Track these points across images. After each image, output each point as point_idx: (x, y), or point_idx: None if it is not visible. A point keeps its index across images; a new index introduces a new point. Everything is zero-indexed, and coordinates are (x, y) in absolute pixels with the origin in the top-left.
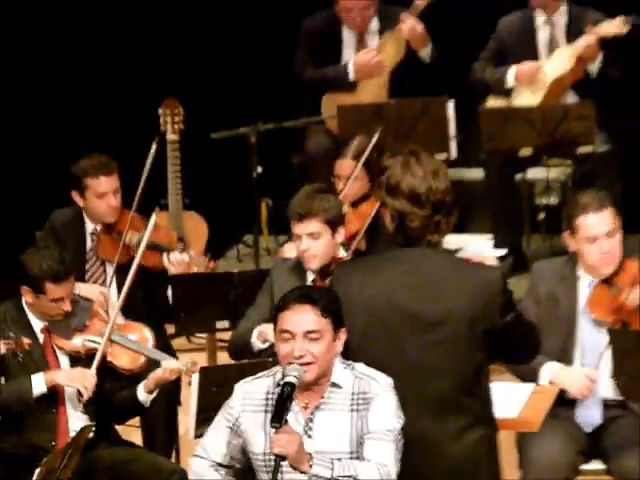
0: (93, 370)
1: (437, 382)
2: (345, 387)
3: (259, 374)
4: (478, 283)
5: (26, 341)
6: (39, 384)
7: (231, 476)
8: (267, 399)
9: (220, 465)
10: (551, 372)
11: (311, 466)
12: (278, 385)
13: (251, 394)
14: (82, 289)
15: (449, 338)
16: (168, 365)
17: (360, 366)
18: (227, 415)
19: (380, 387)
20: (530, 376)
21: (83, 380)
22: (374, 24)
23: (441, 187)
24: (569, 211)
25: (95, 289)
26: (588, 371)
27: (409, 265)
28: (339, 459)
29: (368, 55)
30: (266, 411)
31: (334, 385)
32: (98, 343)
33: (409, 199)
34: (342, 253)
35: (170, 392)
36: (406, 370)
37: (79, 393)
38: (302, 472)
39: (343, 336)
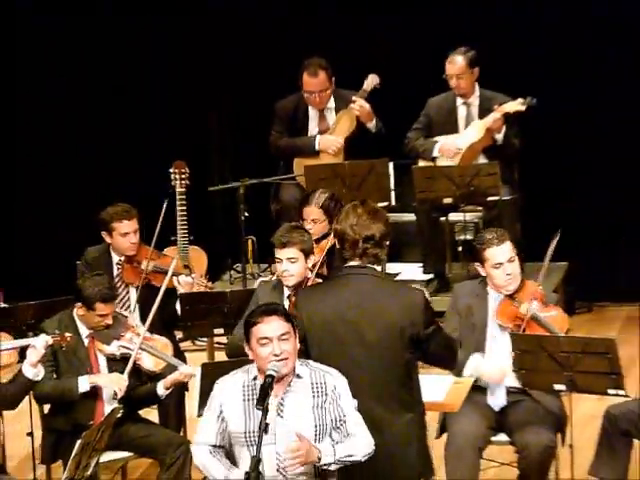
0: (126, 375)
1: (376, 376)
2: (305, 378)
3: (235, 371)
4: (406, 302)
5: (67, 335)
6: (84, 384)
7: (225, 457)
8: (244, 390)
9: (214, 446)
10: (476, 362)
11: (320, 458)
12: (254, 379)
13: (230, 387)
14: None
15: (384, 344)
16: (184, 370)
17: (312, 362)
18: (212, 408)
19: (333, 378)
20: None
21: (118, 384)
22: (331, 103)
23: (373, 225)
24: (478, 246)
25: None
26: (502, 364)
27: (354, 289)
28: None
29: (332, 140)
30: (244, 399)
31: (297, 376)
32: (130, 349)
33: (343, 236)
34: (310, 275)
35: (177, 390)
36: (353, 369)
37: (114, 393)
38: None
39: (297, 337)
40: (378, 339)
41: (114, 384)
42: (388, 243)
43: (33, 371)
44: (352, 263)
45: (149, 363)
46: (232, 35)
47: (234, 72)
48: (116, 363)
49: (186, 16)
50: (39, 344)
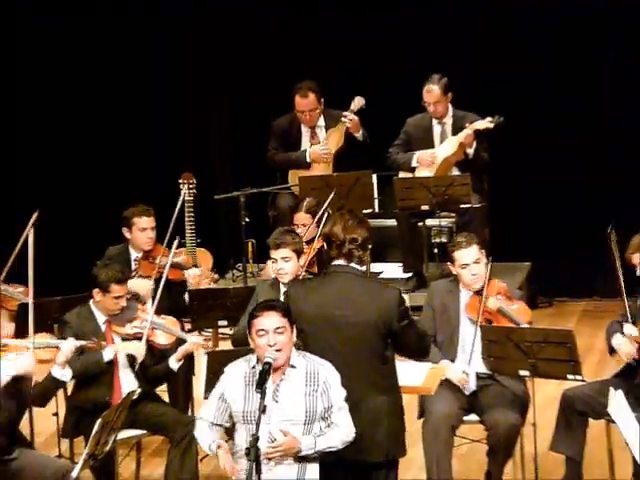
0: (143, 343)
1: (356, 363)
2: (299, 367)
3: (239, 360)
4: (383, 299)
5: (94, 341)
6: (108, 354)
7: (222, 434)
8: (245, 376)
9: (213, 424)
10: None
11: (300, 450)
12: (252, 367)
13: (234, 373)
14: (137, 283)
15: (362, 335)
16: (193, 340)
17: (308, 354)
18: (216, 390)
19: (326, 370)
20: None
21: (137, 349)
22: (321, 121)
23: (356, 230)
24: (450, 248)
25: (146, 283)
26: (464, 368)
27: (337, 287)
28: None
29: (320, 149)
30: (245, 384)
31: (292, 367)
32: (143, 329)
33: (331, 238)
34: (302, 273)
35: (188, 367)
36: (336, 357)
37: (132, 359)
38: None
39: (294, 331)
40: (357, 330)
41: (133, 350)
42: (370, 247)
43: (61, 372)
44: (338, 262)
45: (162, 339)
46: (235, 46)
47: (238, 91)
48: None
49: (186, 19)
50: (66, 347)
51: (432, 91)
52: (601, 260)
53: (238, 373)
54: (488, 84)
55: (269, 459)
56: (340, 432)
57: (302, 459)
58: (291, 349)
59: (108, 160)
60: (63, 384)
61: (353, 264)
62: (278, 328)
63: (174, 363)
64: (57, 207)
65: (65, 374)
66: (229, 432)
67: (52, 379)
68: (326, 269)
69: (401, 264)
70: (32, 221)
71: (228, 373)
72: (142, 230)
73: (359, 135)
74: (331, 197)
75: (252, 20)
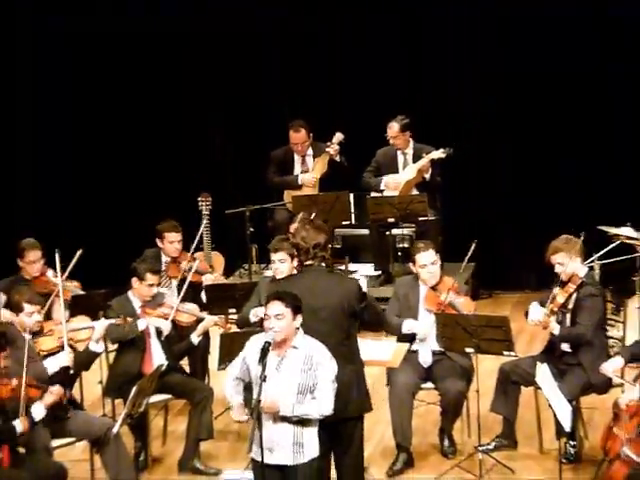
0: (169, 321)
1: (330, 339)
2: (300, 348)
3: (262, 334)
4: (345, 287)
5: (124, 317)
6: (142, 324)
7: (241, 385)
8: (259, 350)
9: (236, 378)
10: (409, 324)
11: (279, 411)
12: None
13: (254, 344)
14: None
15: (332, 316)
16: (209, 318)
17: (310, 339)
18: (242, 353)
19: (320, 355)
20: (396, 329)
21: (163, 323)
22: (310, 151)
23: (317, 236)
24: (411, 252)
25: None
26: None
27: (310, 281)
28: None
29: (309, 176)
30: (260, 356)
31: (294, 347)
32: (170, 309)
33: (298, 246)
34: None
35: (205, 346)
36: (315, 335)
37: (159, 333)
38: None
39: (299, 318)
40: (328, 313)
41: (160, 323)
42: (330, 246)
43: (96, 346)
44: (308, 263)
45: (184, 317)
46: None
47: (243, 130)
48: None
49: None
50: (100, 326)
51: (391, 128)
52: (530, 261)
53: (257, 344)
54: (441, 121)
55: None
56: (318, 406)
57: (299, 423)
58: (293, 332)
59: (143, 180)
60: (98, 355)
61: (319, 263)
62: (278, 315)
63: (195, 338)
64: (107, 219)
65: (99, 347)
66: (248, 387)
67: (90, 351)
68: (301, 268)
69: (372, 264)
70: (78, 255)
71: (251, 342)
72: (171, 242)
73: (341, 160)
74: (314, 214)
75: (258, 63)
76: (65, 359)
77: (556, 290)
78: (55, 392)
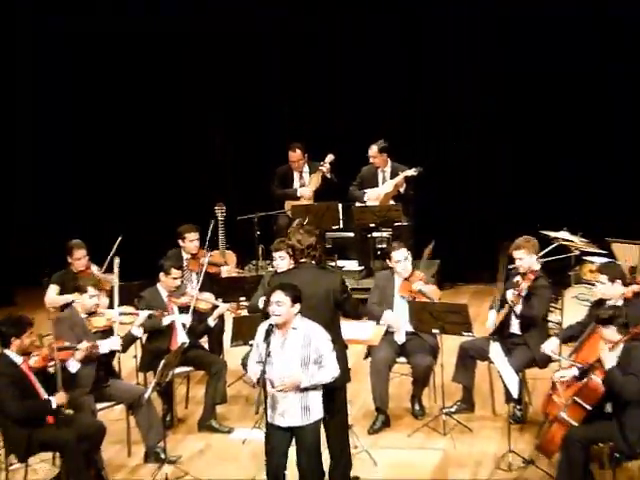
0: (190, 315)
1: (319, 322)
2: (299, 329)
3: (264, 323)
4: (330, 280)
5: (160, 311)
6: (168, 319)
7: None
8: (264, 332)
9: (257, 362)
10: (388, 315)
11: (300, 384)
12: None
13: (260, 331)
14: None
15: (320, 303)
16: (223, 305)
17: (308, 321)
18: (255, 341)
19: (316, 333)
20: (376, 318)
21: (186, 319)
22: (306, 168)
23: (309, 239)
24: (388, 250)
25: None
26: (400, 318)
27: (303, 275)
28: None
29: (306, 190)
30: (264, 336)
31: (294, 328)
32: (190, 297)
33: (294, 247)
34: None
35: (220, 327)
36: (308, 316)
37: (183, 325)
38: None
39: (297, 306)
40: (316, 301)
41: (184, 319)
42: (319, 247)
43: (137, 331)
44: (302, 260)
45: (203, 305)
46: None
47: (253, 152)
48: (183, 309)
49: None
50: (142, 315)
51: (372, 149)
52: (485, 259)
53: (263, 329)
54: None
55: (283, 391)
56: (328, 371)
57: (304, 390)
58: (292, 316)
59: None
60: (138, 339)
61: (310, 261)
62: (279, 302)
63: (211, 321)
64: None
65: (139, 332)
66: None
67: (131, 334)
68: (296, 265)
69: (357, 261)
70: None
71: (260, 329)
72: (191, 241)
73: (331, 177)
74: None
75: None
76: (117, 344)
77: (519, 279)
78: (83, 348)
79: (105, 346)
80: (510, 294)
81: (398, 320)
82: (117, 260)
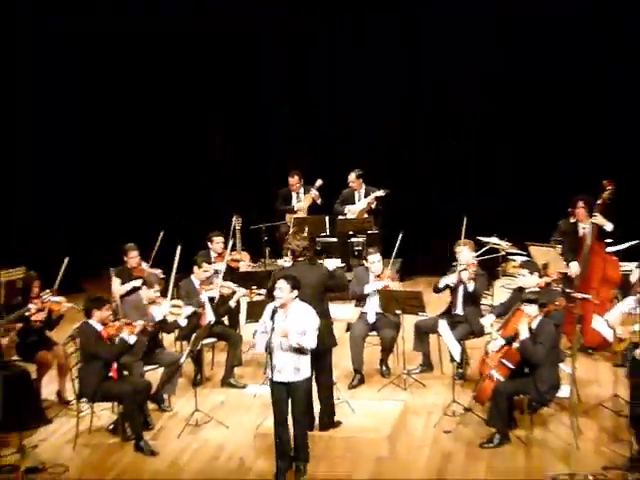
0: (217, 294)
1: (313, 303)
2: (297, 309)
3: (270, 304)
4: (320, 273)
5: (202, 308)
6: (187, 311)
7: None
8: (271, 311)
9: (262, 332)
10: (367, 287)
11: (288, 335)
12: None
13: (267, 310)
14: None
15: (314, 290)
16: (241, 291)
17: (302, 303)
18: (263, 318)
19: (306, 313)
20: (359, 293)
21: (215, 292)
22: (302, 190)
23: (304, 243)
24: (365, 254)
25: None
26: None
27: (300, 269)
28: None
29: (302, 206)
30: (271, 315)
31: (292, 308)
32: (217, 285)
33: (293, 249)
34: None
35: (237, 308)
36: (304, 299)
37: (212, 298)
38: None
39: (295, 292)
40: (310, 288)
41: (213, 293)
42: (312, 249)
43: (182, 321)
44: (299, 259)
45: (225, 290)
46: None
47: (258, 175)
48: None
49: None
50: (187, 310)
51: (351, 175)
52: (440, 256)
53: (270, 308)
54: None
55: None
56: (308, 341)
57: (297, 351)
58: (290, 299)
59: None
60: (182, 327)
61: (304, 259)
62: (280, 287)
63: (232, 303)
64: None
65: (184, 322)
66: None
67: (177, 324)
68: (295, 262)
69: (339, 259)
70: (159, 240)
71: (267, 308)
72: (217, 243)
73: (317, 195)
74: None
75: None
76: (166, 309)
77: (465, 266)
78: (139, 325)
79: (157, 313)
80: (466, 274)
81: (374, 289)
82: (177, 254)
